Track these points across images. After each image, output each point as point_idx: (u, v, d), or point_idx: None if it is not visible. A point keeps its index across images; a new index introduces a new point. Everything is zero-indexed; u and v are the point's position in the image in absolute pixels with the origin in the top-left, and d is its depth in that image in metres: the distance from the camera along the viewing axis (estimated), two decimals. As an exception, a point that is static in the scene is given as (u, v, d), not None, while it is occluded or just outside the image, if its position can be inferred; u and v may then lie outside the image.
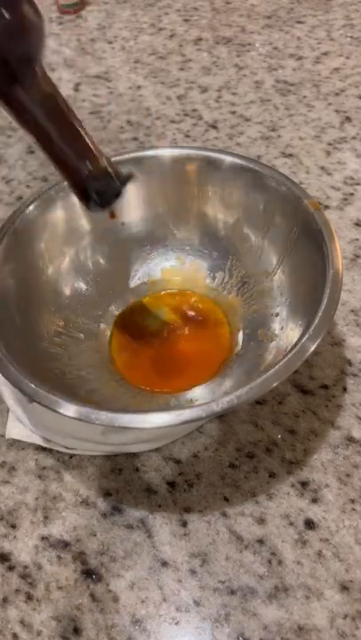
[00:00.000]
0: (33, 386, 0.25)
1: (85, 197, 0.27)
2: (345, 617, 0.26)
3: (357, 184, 0.45)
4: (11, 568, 0.28)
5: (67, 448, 0.31)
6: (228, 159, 0.35)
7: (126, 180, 0.28)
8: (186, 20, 0.68)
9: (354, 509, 0.29)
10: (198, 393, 0.32)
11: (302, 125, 0.52)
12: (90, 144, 0.26)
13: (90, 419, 0.24)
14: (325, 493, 0.29)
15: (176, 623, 0.26)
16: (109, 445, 0.31)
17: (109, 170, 0.27)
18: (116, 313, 0.37)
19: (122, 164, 0.36)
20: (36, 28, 0.23)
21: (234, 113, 0.54)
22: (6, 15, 0.21)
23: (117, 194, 0.28)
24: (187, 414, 0.24)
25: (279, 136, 0.51)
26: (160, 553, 0.28)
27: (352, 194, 0.45)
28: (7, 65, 0.22)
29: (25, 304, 0.32)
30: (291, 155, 0.49)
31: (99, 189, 0.27)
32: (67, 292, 0.35)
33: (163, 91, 0.58)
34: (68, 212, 0.35)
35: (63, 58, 0.64)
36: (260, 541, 0.28)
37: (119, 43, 0.66)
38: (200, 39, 0.65)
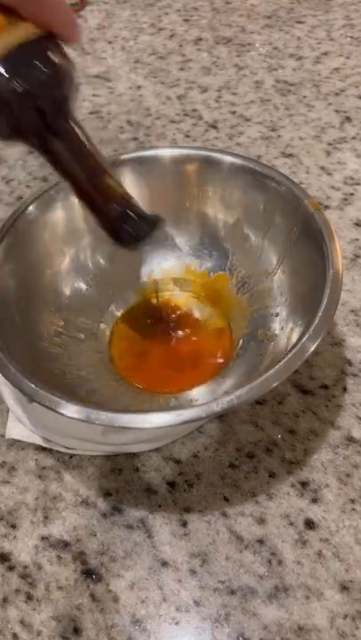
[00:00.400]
0: (33, 386, 0.25)
1: (115, 237, 0.30)
2: (345, 617, 0.26)
3: (357, 184, 0.45)
4: (11, 568, 0.28)
5: (67, 448, 0.31)
6: (228, 159, 0.35)
7: (154, 221, 0.30)
8: (186, 20, 0.68)
9: (354, 509, 0.29)
10: (198, 393, 0.32)
11: (302, 125, 0.52)
12: (117, 188, 0.28)
13: (90, 419, 0.24)
14: (325, 493, 0.29)
15: (176, 623, 0.26)
16: (109, 445, 0.31)
17: (135, 213, 0.29)
18: (116, 313, 0.37)
19: (122, 164, 0.36)
20: (69, 76, 0.24)
21: (234, 113, 0.54)
22: (43, 68, 0.23)
23: (145, 234, 0.30)
24: (187, 414, 0.24)
25: (279, 136, 0.51)
26: (160, 553, 0.28)
27: (352, 194, 0.45)
28: (43, 115, 0.24)
29: (25, 304, 0.32)
30: (291, 155, 0.49)
31: (126, 230, 0.29)
32: (67, 292, 0.35)
33: (163, 91, 0.58)
34: (68, 212, 0.35)
35: (63, 58, 0.64)
36: (260, 541, 0.28)
37: (119, 43, 0.66)
38: (200, 39, 0.65)
